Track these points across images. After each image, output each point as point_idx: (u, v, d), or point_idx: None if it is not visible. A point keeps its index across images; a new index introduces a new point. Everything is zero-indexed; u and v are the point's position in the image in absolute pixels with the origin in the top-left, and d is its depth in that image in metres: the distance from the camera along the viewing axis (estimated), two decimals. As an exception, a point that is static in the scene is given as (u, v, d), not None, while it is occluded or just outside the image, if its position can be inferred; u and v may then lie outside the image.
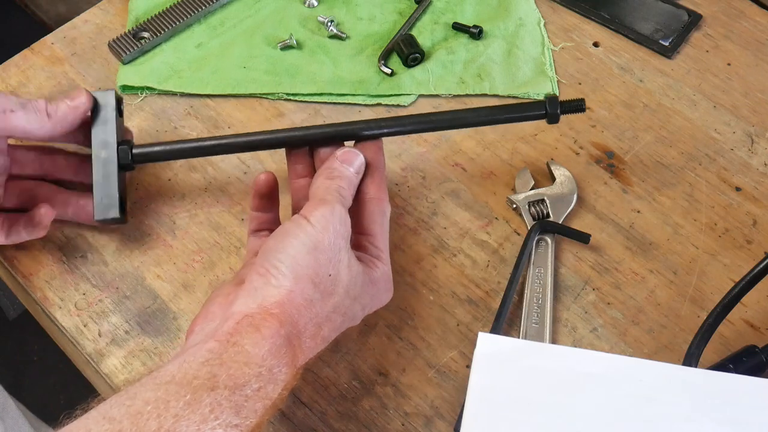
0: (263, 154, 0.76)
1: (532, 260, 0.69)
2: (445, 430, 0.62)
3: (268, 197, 0.64)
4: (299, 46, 0.84)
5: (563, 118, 0.79)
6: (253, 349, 0.50)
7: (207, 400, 0.47)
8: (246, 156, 0.76)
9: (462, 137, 0.78)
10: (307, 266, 0.54)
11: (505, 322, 0.67)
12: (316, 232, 0.54)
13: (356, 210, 0.61)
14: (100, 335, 0.67)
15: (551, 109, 0.66)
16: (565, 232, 0.71)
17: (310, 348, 0.55)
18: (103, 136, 0.67)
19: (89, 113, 0.67)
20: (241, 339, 0.50)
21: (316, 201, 0.57)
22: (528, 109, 0.66)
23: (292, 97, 0.81)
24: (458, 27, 0.85)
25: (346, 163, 0.61)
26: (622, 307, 0.68)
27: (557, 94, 0.80)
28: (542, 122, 0.79)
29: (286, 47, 0.83)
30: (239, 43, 0.84)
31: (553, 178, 0.74)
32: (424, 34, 0.85)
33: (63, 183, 0.70)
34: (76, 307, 0.68)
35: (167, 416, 0.45)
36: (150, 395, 0.46)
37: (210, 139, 0.66)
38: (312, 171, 0.64)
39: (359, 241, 0.61)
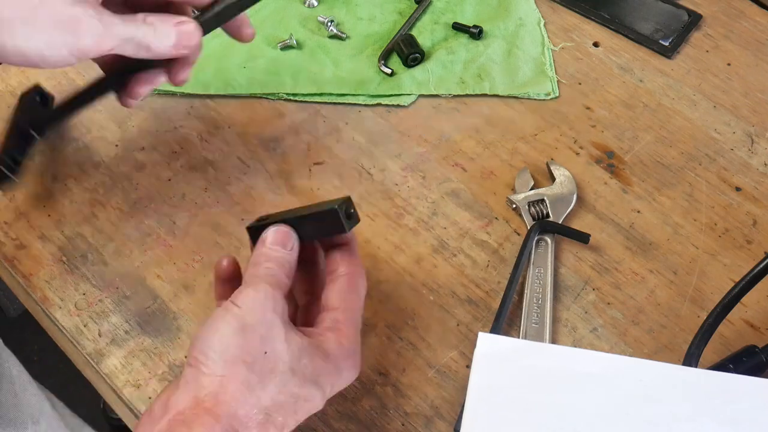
0: (263, 155, 0.76)
1: (532, 260, 0.69)
2: (445, 430, 0.62)
3: (230, 282, 0.60)
4: (299, 46, 0.84)
5: (563, 118, 0.79)
6: None
7: None
8: (246, 156, 0.76)
9: (462, 137, 0.78)
10: (237, 347, 0.50)
11: (505, 322, 0.66)
12: (242, 313, 0.51)
13: (326, 289, 0.58)
14: (100, 335, 0.67)
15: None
16: (564, 232, 0.71)
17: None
18: None
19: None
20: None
21: (243, 286, 0.54)
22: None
23: (292, 98, 0.81)
24: (458, 27, 0.85)
25: (275, 245, 0.56)
26: (622, 307, 0.68)
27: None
28: (542, 122, 0.79)
29: (286, 47, 0.84)
30: (239, 44, 0.84)
31: (553, 178, 0.74)
32: (424, 34, 0.85)
33: None
34: (76, 307, 0.68)
35: None
36: None
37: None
38: None
39: (320, 317, 0.57)
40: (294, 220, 0.58)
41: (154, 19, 0.59)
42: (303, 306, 0.62)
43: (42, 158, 0.76)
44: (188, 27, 0.61)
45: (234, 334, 0.50)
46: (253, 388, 0.49)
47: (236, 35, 0.68)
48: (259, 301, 0.52)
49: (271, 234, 0.57)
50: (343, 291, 0.57)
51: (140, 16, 0.59)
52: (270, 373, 0.50)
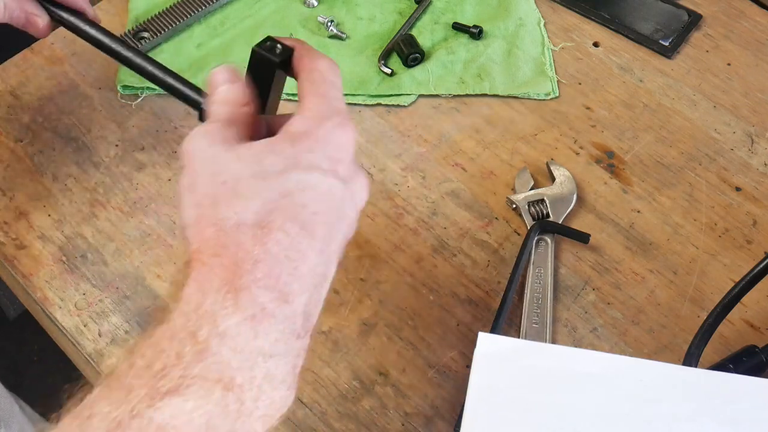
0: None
1: (532, 260, 0.69)
2: (445, 430, 0.62)
3: None
4: (299, 46, 0.84)
5: (563, 118, 0.79)
6: (175, 303, 0.42)
7: (123, 382, 0.39)
8: (246, 156, 0.76)
9: (462, 137, 0.78)
10: (196, 199, 0.45)
11: (505, 322, 0.66)
12: (187, 170, 0.46)
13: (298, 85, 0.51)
14: (100, 335, 0.67)
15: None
16: (564, 232, 0.71)
17: (268, 256, 0.42)
18: None
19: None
20: (171, 304, 0.42)
21: None
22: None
23: (292, 98, 0.81)
24: (458, 27, 0.85)
25: (213, 85, 0.50)
26: (622, 307, 0.68)
27: (559, 86, 0.79)
28: (542, 122, 0.79)
29: (286, 47, 0.83)
30: (239, 43, 0.84)
31: (552, 178, 0.74)
32: (424, 34, 0.85)
33: None
34: (76, 307, 0.68)
35: (79, 420, 0.38)
36: (74, 409, 0.40)
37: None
38: None
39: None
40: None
41: None
42: None
43: (42, 158, 0.76)
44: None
45: (189, 191, 0.45)
46: (226, 218, 0.43)
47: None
48: (196, 147, 0.46)
49: (210, 78, 0.51)
50: (306, 79, 0.49)
51: None
52: (236, 195, 0.43)
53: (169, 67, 0.78)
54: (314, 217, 0.44)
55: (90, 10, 0.67)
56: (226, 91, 0.50)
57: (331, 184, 0.45)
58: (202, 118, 0.58)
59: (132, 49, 0.63)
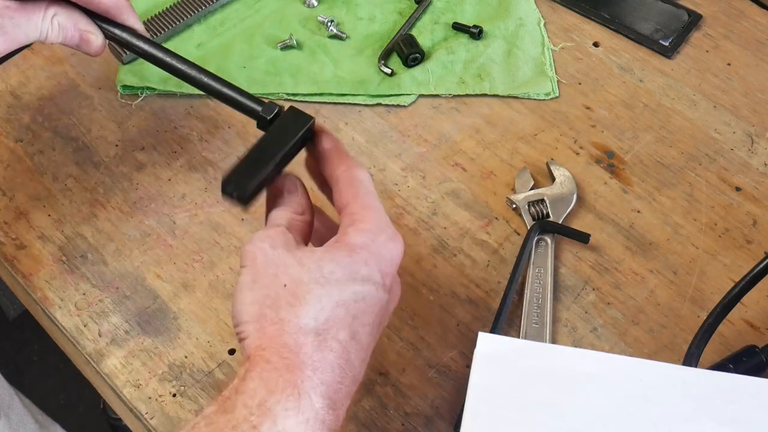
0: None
1: (532, 260, 0.69)
2: (445, 430, 0.62)
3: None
4: (299, 46, 0.84)
5: (563, 118, 0.79)
6: (238, 397, 0.45)
7: None
8: (246, 156, 0.76)
9: (462, 137, 0.78)
10: (256, 298, 0.48)
11: (505, 322, 0.66)
12: (248, 269, 0.50)
13: (333, 195, 0.55)
14: (100, 335, 0.67)
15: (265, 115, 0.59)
16: (564, 232, 0.71)
17: (325, 364, 0.47)
18: None
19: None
20: (228, 394, 0.45)
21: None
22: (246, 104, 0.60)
23: (292, 98, 0.81)
24: (458, 27, 0.85)
25: (281, 190, 0.56)
26: (622, 307, 0.68)
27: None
28: (542, 122, 0.79)
29: (286, 47, 0.84)
30: (239, 43, 0.84)
31: (552, 178, 0.74)
32: (424, 34, 0.85)
33: None
34: (76, 307, 0.68)
35: None
36: None
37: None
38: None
39: (338, 223, 0.54)
40: (268, 159, 0.55)
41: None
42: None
43: (42, 158, 0.76)
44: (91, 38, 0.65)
45: (249, 289, 0.49)
46: (288, 320, 0.47)
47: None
48: (258, 249, 0.50)
49: (276, 181, 0.56)
50: (347, 186, 0.53)
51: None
52: (297, 298, 0.47)
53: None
54: (363, 327, 0.49)
55: (140, 26, 0.65)
56: (289, 200, 0.55)
57: (380, 296, 0.50)
58: (261, 126, 0.58)
59: (186, 61, 0.62)
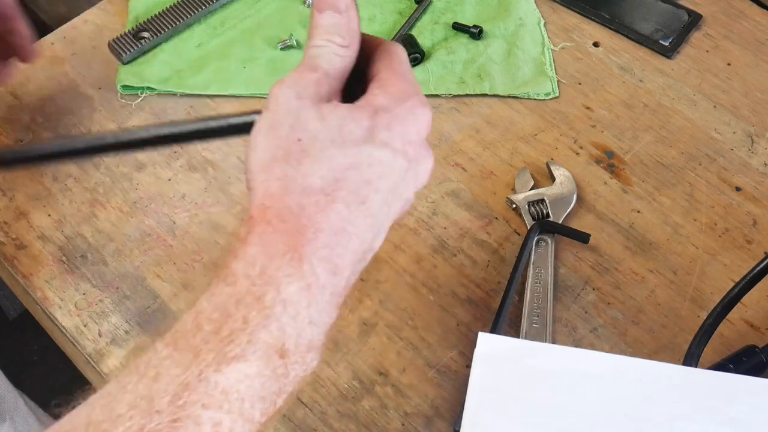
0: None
1: (532, 260, 0.69)
2: (445, 430, 0.62)
3: None
4: (299, 46, 0.84)
5: (563, 118, 0.79)
6: (238, 264, 0.42)
7: (190, 343, 0.40)
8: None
9: (462, 137, 0.78)
10: (268, 149, 0.45)
11: (505, 322, 0.66)
12: (268, 113, 0.46)
13: (368, 66, 0.50)
14: (100, 335, 0.67)
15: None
16: (564, 232, 0.71)
17: (329, 226, 0.43)
18: None
19: None
20: (227, 260, 0.43)
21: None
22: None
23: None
24: (458, 27, 0.85)
25: (324, 8, 0.49)
26: (622, 307, 0.68)
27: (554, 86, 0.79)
28: (542, 122, 0.79)
29: (287, 47, 0.83)
30: (239, 43, 0.84)
31: (552, 178, 0.74)
32: (424, 34, 0.85)
33: None
34: (76, 307, 0.68)
35: (145, 379, 0.39)
36: (134, 363, 0.40)
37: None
38: None
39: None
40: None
41: None
42: None
43: (42, 158, 0.76)
44: None
45: (264, 137, 0.45)
46: (294, 177, 0.44)
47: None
48: (283, 95, 0.46)
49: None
50: (380, 56, 0.49)
51: None
52: (307, 155, 0.44)
53: (169, 67, 0.78)
54: (375, 194, 0.45)
55: (28, 32, 0.63)
56: (335, 26, 0.48)
57: (398, 164, 0.46)
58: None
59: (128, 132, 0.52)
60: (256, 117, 0.50)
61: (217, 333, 0.40)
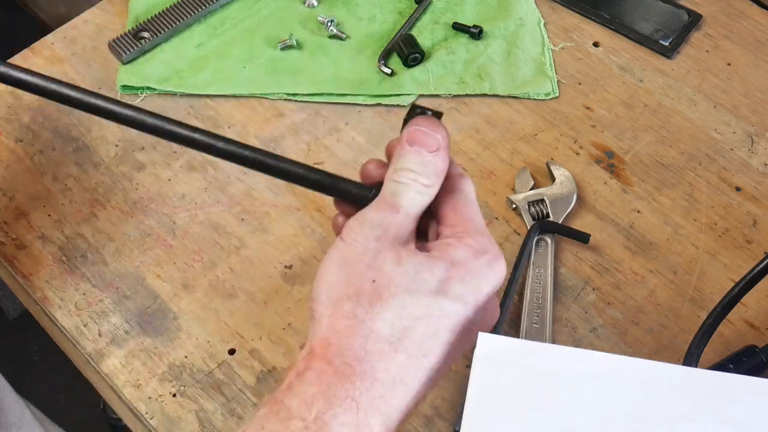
0: (263, 154, 0.76)
1: (532, 260, 0.69)
2: (445, 430, 0.62)
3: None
4: (299, 46, 0.84)
5: (563, 118, 0.79)
6: (293, 400, 0.42)
7: None
8: (246, 156, 0.76)
9: (462, 137, 0.78)
10: (340, 283, 0.44)
11: (505, 322, 0.66)
12: (345, 246, 0.46)
13: (437, 204, 0.49)
14: (100, 335, 0.67)
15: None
16: (564, 232, 0.71)
17: (388, 376, 0.43)
18: None
19: None
20: (284, 395, 0.42)
21: (358, 212, 0.48)
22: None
23: (292, 97, 0.81)
24: (458, 27, 0.85)
25: (416, 145, 0.48)
26: (622, 307, 0.68)
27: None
28: (542, 122, 0.79)
29: (286, 47, 0.83)
30: (239, 43, 0.84)
31: (552, 178, 0.74)
32: (424, 34, 0.85)
33: None
34: (76, 307, 0.68)
35: None
36: None
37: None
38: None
39: (439, 233, 0.48)
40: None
41: None
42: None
43: (42, 158, 0.76)
44: None
45: (337, 269, 0.45)
46: (363, 319, 0.43)
47: None
48: (363, 232, 0.45)
49: (412, 132, 0.48)
50: (444, 197, 0.49)
51: None
52: (378, 297, 0.44)
53: (169, 67, 0.78)
54: (439, 347, 0.45)
55: None
56: (427, 162, 0.48)
57: (468, 317, 0.46)
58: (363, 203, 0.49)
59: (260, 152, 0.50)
60: (374, 194, 0.48)
61: None
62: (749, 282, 0.63)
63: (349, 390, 0.42)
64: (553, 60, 0.84)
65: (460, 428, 0.56)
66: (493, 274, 0.47)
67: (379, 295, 0.44)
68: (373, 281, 0.44)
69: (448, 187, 0.49)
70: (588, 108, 0.80)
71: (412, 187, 0.47)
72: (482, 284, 0.46)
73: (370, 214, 0.46)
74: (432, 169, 0.48)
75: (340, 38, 0.85)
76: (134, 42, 0.82)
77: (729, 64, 0.84)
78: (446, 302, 0.45)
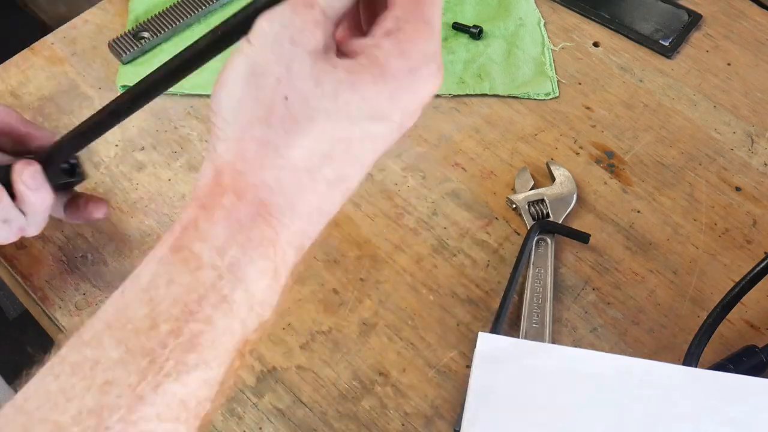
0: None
1: (532, 260, 0.69)
2: (445, 430, 0.62)
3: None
4: (299, 46, 0.84)
5: (563, 118, 0.79)
6: (203, 245, 0.37)
7: (145, 346, 0.35)
8: (246, 156, 0.76)
9: (462, 137, 0.78)
10: (249, 99, 0.38)
11: (505, 322, 0.66)
12: (253, 52, 0.38)
13: None
14: (100, 335, 0.67)
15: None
16: (564, 232, 0.71)
17: (307, 209, 0.39)
18: None
19: None
20: (189, 236, 0.38)
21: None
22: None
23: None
24: (458, 27, 0.85)
25: None
26: (622, 307, 0.68)
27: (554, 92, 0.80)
28: (542, 122, 0.79)
29: (286, 47, 0.83)
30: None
31: (552, 178, 0.74)
32: (424, 34, 0.85)
33: None
34: (76, 307, 0.68)
35: (93, 388, 0.35)
36: (76, 358, 0.36)
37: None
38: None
39: (376, 21, 0.40)
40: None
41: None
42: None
43: (42, 158, 0.76)
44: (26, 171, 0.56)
45: (244, 82, 0.38)
46: (276, 146, 0.38)
47: (85, 215, 0.63)
48: (273, 33, 0.38)
49: None
50: None
51: None
52: (295, 122, 0.38)
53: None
54: (361, 170, 0.40)
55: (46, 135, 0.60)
56: None
57: (392, 138, 0.40)
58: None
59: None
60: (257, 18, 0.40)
61: (176, 336, 0.36)
62: (749, 282, 0.63)
63: (265, 231, 0.38)
64: (553, 60, 0.84)
65: (460, 428, 0.56)
66: (428, 89, 0.39)
67: (294, 119, 0.38)
68: (286, 98, 0.38)
69: None
70: (588, 108, 0.80)
71: None
72: (414, 100, 0.39)
73: (281, 10, 0.38)
74: None
75: (340, 38, 0.85)
76: (134, 42, 0.82)
77: (729, 64, 0.84)
78: (371, 125, 0.39)
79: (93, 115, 0.53)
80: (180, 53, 0.45)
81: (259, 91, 0.38)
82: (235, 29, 0.41)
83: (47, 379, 0.36)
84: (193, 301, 0.36)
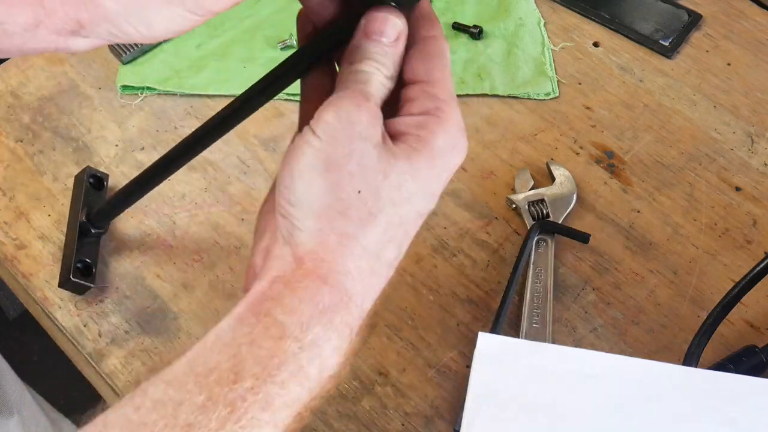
0: (263, 155, 0.76)
1: (532, 260, 0.69)
2: (445, 430, 0.62)
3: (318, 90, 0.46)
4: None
5: (563, 118, 0.79)
6: (288, 318, 0.39)
7: (227, 397, 0.38)
8: (246, 156, 0.76)
9: (462, 137, 0.78)
10: (325, 193, 0.40)
11: (505, 322, 0.66)
12: (324, 146, 0.40)
13: (407, 58, 0.44)
14: (100, 335, 0.67)
15: None
16: (564, 232, 0.71)
17: (369, 293, 0.42)
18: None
19: None
20: (274, 307, 0.40)
21: (326, 103, 0.41)
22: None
23: (292, 98, 0.81)
24: (458, 27, 0.85)
25: (374, 35, 0.43)
26: (622, 307, 0.68)
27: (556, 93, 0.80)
28: (542, 122, 0.79)
29: (286, 47, 0.83)
30: (239, 43, 0.84)
31: (552, 178, 0.74)
32: (424, 34, 0.85)
33: None
34: (76, 307, 0.68)
35: (176, 428, 0.37)
36: (159, 396, 0.38)
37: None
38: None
39: (406, 93, 0.44)
40: None
41: None
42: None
43: (42, 158, 0.76)
44: None
45: (320, 177, 0.40)
46: (354, 236, 0.41)
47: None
48: (344, 128, 0.40)
49: (371, 22, 0.43)
50: (429, 56, 0.44)
51: None
52: (369, 215, 0.41)
53: (169, 67, 0.78)
54: (409, 242, 0.45)
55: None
56: (391, 51, 0.43)
57: (432, 209, 0.45)
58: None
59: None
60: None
61: (255, 393, 0.39)
62: (749, 282, 0.63)
63: (345, 317, 0.41)
64: (553, 60, 0.84)
65: (459, 428, 0.56)
66: (463, 154, 0.43)
67: (369, 212, 0.41)
68: (359, 192, 0.41)
69: (435, 51, 0.44)
70: (588, 108, 0.80)
71: (376, 76, 0.42)
72: (453, 170, 0.43)
73: (344, 104, 0.41)
74: (392, 60, 0.43)
75: (340, 38, 0.85)
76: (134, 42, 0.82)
77: (729, 64, 0.84)
78: (422, 203, 0.43)
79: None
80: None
81: (335, 186, 0.40)
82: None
83: (127, 410, 0.39)
84: (274, 366, 0.39)
